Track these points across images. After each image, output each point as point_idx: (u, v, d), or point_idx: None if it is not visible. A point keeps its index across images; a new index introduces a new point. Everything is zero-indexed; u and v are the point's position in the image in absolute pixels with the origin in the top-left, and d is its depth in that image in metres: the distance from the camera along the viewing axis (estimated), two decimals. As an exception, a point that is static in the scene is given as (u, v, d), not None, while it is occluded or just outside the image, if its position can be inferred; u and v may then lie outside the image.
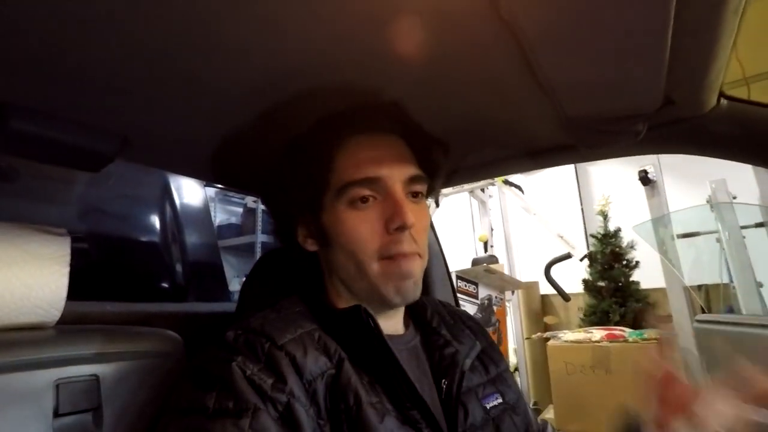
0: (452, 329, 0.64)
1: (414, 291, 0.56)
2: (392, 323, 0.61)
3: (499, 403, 0.60)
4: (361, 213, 0.55)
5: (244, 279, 0.74)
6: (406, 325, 0.63)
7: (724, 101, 0.62)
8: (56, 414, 0.48)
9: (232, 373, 0.46)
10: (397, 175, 0.56)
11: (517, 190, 3.38)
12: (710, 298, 2.44)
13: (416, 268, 0.56)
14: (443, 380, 0.56)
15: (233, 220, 3.25)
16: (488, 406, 0.58)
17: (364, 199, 0.55)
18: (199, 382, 0.47)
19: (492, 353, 0.66)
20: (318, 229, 0.58)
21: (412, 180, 0.57)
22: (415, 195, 0.58)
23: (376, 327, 0.52)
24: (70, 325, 0.56)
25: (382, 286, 0.55)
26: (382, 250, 0.54)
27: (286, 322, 0.53)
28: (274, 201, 0.65)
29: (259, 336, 0.50)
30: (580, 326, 3.06)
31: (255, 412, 0.44)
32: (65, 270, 0.54)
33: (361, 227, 0.55)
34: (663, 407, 0.51)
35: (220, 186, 2.38)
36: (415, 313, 0.65)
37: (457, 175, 0.92)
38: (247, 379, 0.46)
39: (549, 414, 2.71)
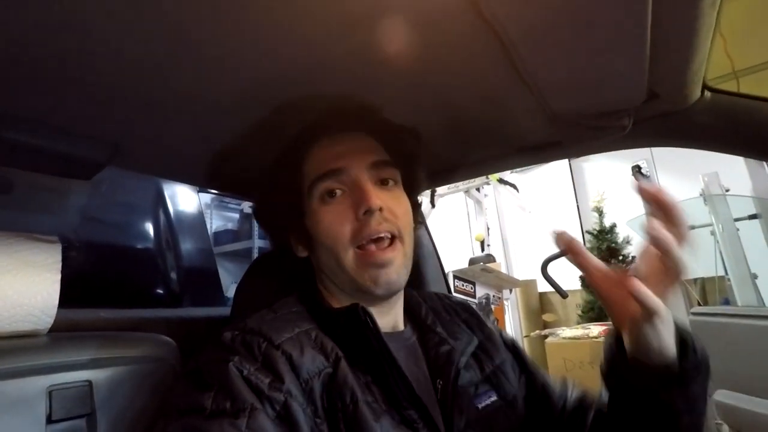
0: (448, 326, 0.64)
1: (396, 280, 0.56)
2: (390, 319, 0.61)
3: (493, 401, 0.59)
4: (331, 206, 0.57)
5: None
6: (404, 322, 0.63)
7: (707, 93, 0.62)
8: (49, 420, 0.48)
9: (229, 373, 0.46)
10: (359, 163, 0.57)
11: (512, 189, 3.40)
12: (706, 291, 2.45)
13: (393, 256, 0.56)
14: (438, 380, 0.56)
15: (230, 225, 3.24)
16: (480, 406, 0.57)
17: (331, 193, 0.57)
18: (196, 382, 0.47)
19: (488, 347, 0.65)
20: (304, 234, 0.60)
21: (376, 166, 0.58)
22: (384, 182, 0.59)
23: (374, 325, 0.52)
24: (63, 332, 0.56)
25: (359, 276, 0.55)
26: (355, 237, 0.55)
27: (284, 321, 0.53)
28: (264, 215, 0.67)
29: (256, 336, 0.50)
30: (579, 323, 3.07)
31: (252, 411, 0.44)
32: (57, 277, 0.54)
33: (333, 218, 0.56)
34: (616, 306, 0.50)
35: (215, 192, 2.38)
36: (410, 311, 0.65)
37: (450, 174, 0.93)
38: (244, 378, 0.46)
39: (550, 411, 2.71)
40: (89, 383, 0.52)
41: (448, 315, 0.68)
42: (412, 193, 0.65)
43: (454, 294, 1.09)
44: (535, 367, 0.69)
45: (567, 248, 0.52)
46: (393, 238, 0.56)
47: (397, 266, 0.56)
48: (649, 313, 0.44)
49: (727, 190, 2.25)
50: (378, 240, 0.55)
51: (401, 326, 0.62)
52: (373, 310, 0.57)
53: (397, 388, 0.51)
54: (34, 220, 1.06)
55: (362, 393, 0.49)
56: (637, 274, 0.47)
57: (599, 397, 0.61)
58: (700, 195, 2.28)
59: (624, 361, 0.49)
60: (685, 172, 2.69)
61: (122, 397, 0.55)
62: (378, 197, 0.55)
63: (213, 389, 0.45)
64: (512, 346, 0.70)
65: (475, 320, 0.69)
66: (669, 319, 0.47)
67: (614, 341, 0.51)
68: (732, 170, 2.20)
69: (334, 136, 0.60)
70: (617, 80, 0.56)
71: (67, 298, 0.56)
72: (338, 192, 0.57)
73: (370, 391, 0.50)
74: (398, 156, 0.62)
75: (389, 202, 0.57)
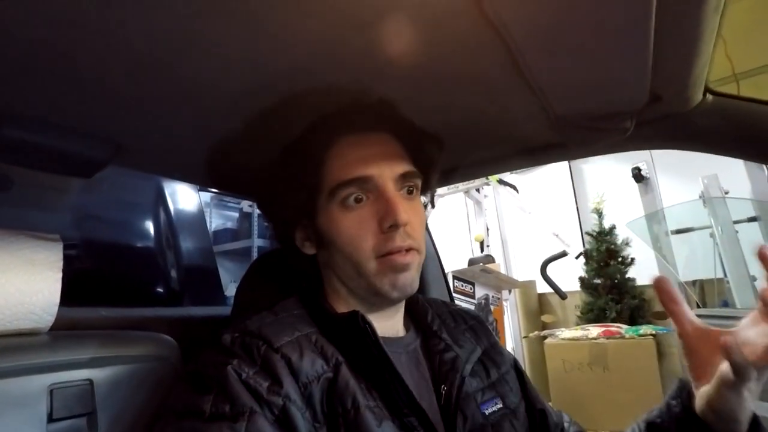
0: (453, 333, 0.64)
1: (411, 284, 0.56)
2: (391, 324, 0.60)
3: (499, 409, 0.59)
4: (354, 213, 0.55)
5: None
6: (406, 327, 0.63)
7: (710, 96, 0.62)
8: (50, 419, 0.48)
9: (228, 377, 0.46)
10: (388, 173, 0.56)
11: (512, 190, 3.40)
12: (705, 293, 2.46)
13: (412, 261, 0.56)
14: (442, 386, 0.56)
15: (229, 224, 3.24)
16: (487, 412, 0.57)
17: (356, 199, 0.55)
18: (195, 385, 0.47)
19: (494, 355, 0.65)
20: (315, 232, 0.59)
21: (404, 176, 0.57)
22: (409, 191, 0.58)
23: (373, 333, 0.52)
24: (64, 330, 0.56)
25: (379, 282, 0.55)
26: (378, 248, 0.54)
27: (284, 324, 0.53)
28: (270, 207, 0.65)
29: (256, 338, 0.50)
30: (578, 324, 3.07)
31: (251, 415, 0.44)
32: (58, 276, 0.54)
33: (356, 227, 0.55)
34: (699, 361, 0.49)
35: (215, 191, 2.38)
36: (415, 316, 0.65)
37: (451, 175, 0.93)
38: (242, 382, 0.46)
39: (548, 412, 2.71)
40: (90, 382, 0.52)
41: (453, 322, 0.67)
42: (424, 198, 0.65)
43: (454, 294, 1.09)
44: (534, 391, 0.68)
45: (663, 296, 0.52)
46: (411, 249, 0.56)
47: (413, 272, 0.56)
48: (739, 376, 0.43)
49: (727, 193, 2.25)
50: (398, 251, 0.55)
51: (402, 332, 0.62)
52: (376, 316, 0.58)
53: (398, 395, 0.50)
54: (35, 217, 1.06)
55: (364, 398, 0.49)
56: (737, 336, 0.45)
57: None
58: (700, 197, 2.28)
59: (691, 416, 0.50)
60: (685, 175, 2.70)
61: (123, 396, 0.55)
62: (405, 211, 0.54)
63: (212, 392, 0.45)
64: (514, 365, 0.70)
65: (481, 328, 0.69)
66: (753, 393, 0.45)
67: (682, 394, 0.52)
68: (731, 173, 2.20)
69: (358, 134, 0.58)
70: (620, 83, 0.56)
71: (68, 297, 0.56)
72: (362, 198, 0.55)
73: (371, 396, 0.50)
74: (420, 164, 0.60)
75: (411, 214, 0.56)
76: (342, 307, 0.58)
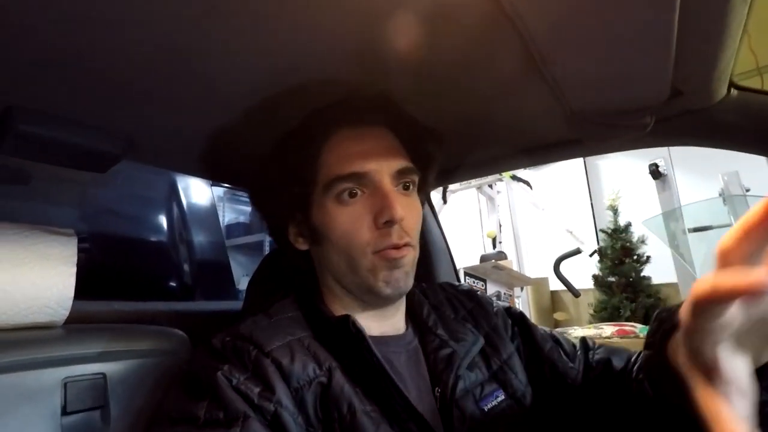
0: (451, 325, 0.62)
1: (405, 281, 0.55)
2: (391, 323, 0.59)
3: (500, 401, 0.57)
4: (349, 208, 0.54)
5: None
6: (406, 323, 0.62)
7: (734, 91, 0.60)
8: (64, 412, 0.49)
9: (219, 383, 0.46)
10: (385, 168, 0.55)
11: (525, 186, 3.37)
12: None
13: (407, 257, 0.55)
14: (436, 389, 0.55)
15: (242, 218, 3.26)
16: (486, 408, 0.56)
17: (351, 194, 0.54)
18: (189, 390, 0.47)
19: (495, 340, 0.63)
20: (308, 226, 0.58)
21: (401, 172, 0.56)
22: (405, 187, 0.57)
23: (365, 339, 0.51)
24: (78, 324, 0.57)
25: (373, 278, 0.54)
26: (373, 244, 0.54)
27: (276, 328, 0.53)
28: (264, 200, 0.64)
29: (247, 342, 0.50)
30: (591, 322, 3.03)
31: (245, 420, 0.44)
32: (72, 270, 0.55)
33: (351, 222, 0.54)
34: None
35: (227, 185, 2.40)
36: (411, 312, 0.63)
37: (463, 171, 0.92)
38: (234, 388, 0.46)
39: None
40: (103, 375, 0.53)
41: (452, 311, 0.65)
42: (422, 195, 0.64)
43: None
44: (543, 341, 0.65)
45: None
46: (406, 245, 0.55)
47: (407, 268, 0.55)
48: None
49: (748, 190, 2.19)
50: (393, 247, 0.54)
51: (403, 329, 0.61)
52: (374, 315, 0.57)
53: (394, 401, 0.50)
54: (52, 211, 1.08)
55: (360, 402, 0.49)
56: None
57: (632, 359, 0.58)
58: (720, 195, 2.23)
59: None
60: (704, 172, 2.63)
61: (135, 390, 0.55)
62: (401, 207, 0.53)
63: (206, 398, 0.45)
64: (520, 321, 0.68)
65: (480, 311, 0.67)
66: None
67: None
68: (753, 170, 2.14)
69: (355, 127, 0.57)
70: (640, 77, 0.54)
71: (81, 290, 0.56)
72: (357, 193, 0.55)
73: (368, 401, 0.50)
74: (418, 159, 0.59)
75: (406, 210, 0.55)
76: (337, 307, 0.58)
